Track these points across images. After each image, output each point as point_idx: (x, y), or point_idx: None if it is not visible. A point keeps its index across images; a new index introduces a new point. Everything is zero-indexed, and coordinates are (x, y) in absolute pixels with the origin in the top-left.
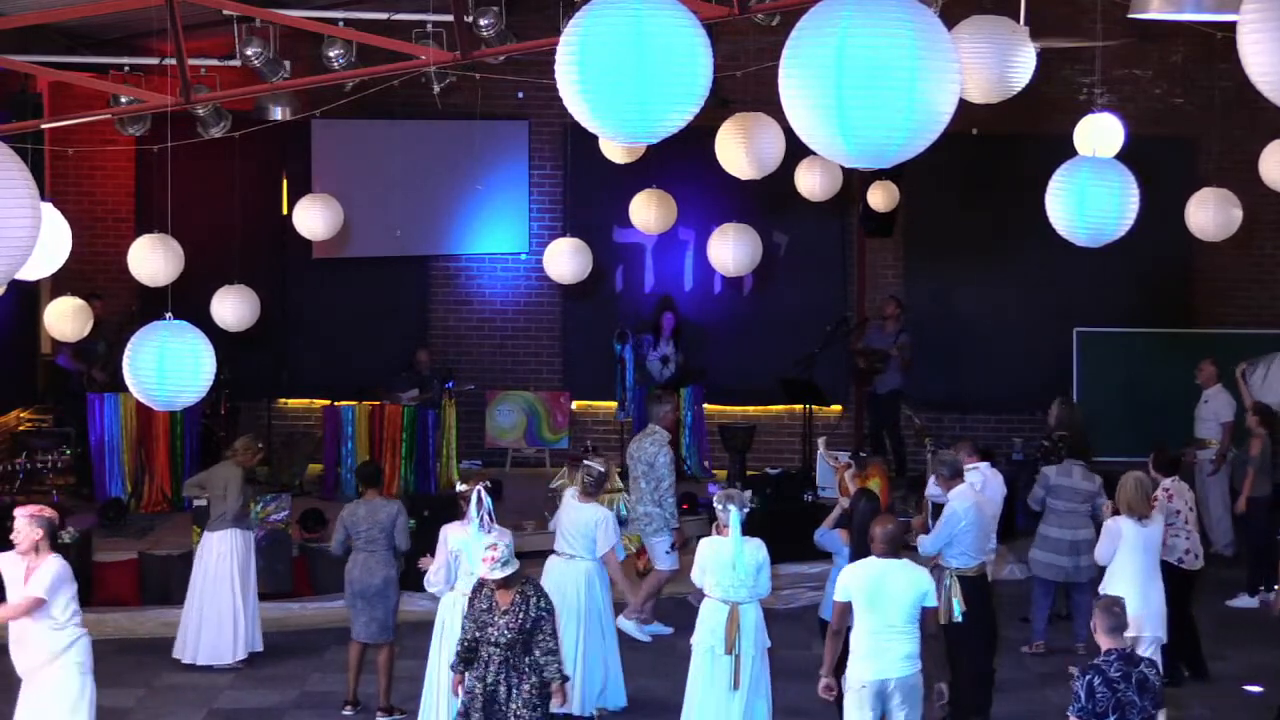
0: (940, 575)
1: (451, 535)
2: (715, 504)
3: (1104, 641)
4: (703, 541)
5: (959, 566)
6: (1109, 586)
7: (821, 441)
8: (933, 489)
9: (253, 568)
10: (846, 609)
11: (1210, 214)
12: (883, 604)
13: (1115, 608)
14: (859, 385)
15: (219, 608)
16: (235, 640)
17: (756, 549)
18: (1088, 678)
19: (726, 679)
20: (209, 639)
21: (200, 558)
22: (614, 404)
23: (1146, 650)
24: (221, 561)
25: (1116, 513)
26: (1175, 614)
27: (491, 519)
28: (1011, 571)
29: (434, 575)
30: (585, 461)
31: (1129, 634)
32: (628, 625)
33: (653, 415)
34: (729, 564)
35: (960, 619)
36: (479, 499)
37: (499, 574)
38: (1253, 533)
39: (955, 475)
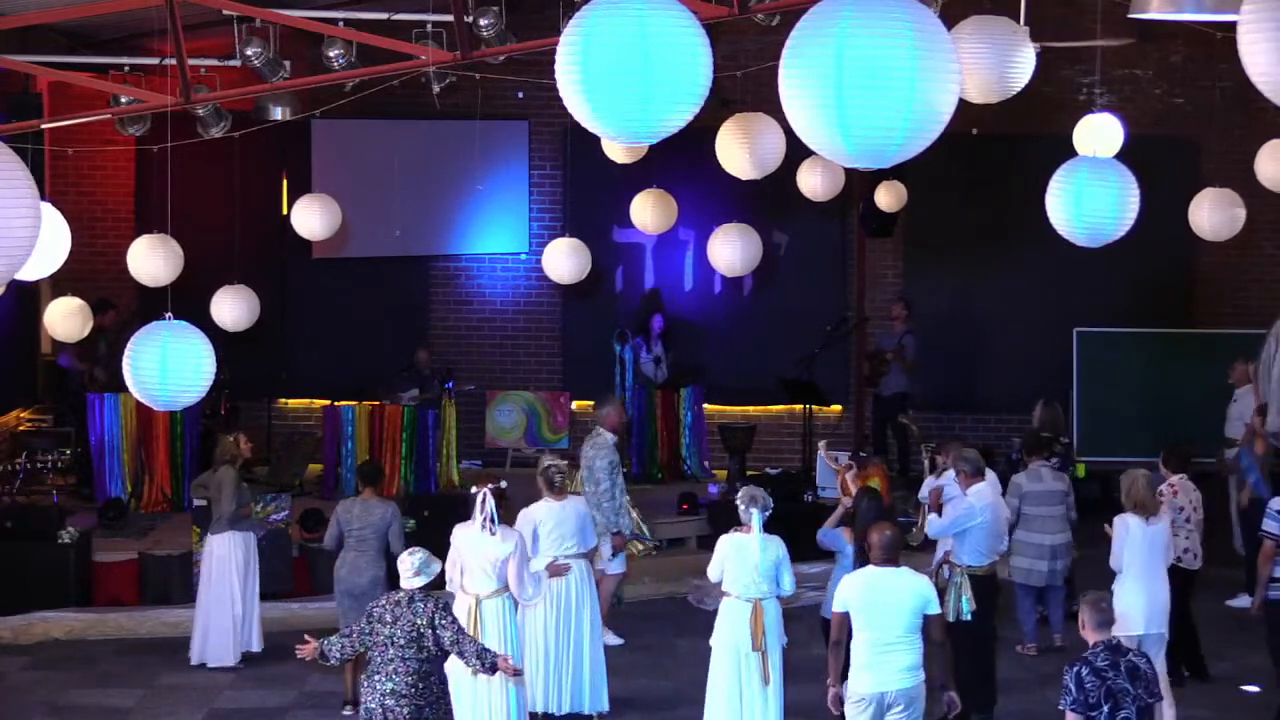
0: (950, 573)
1: (458, 536)
2: (738, 503)
3: (1091, 636)
4: (722, 539)
5: (970, 564)
6: (1116, 582)
7: (822, 444)
8: (926, 493)
9: (254, 569)
10: (845, 620)
11: (1212, 213)
12: (882, 614)
13: (1102, 603)
14: (864, 387)
15: (221, 610)
16: (235, 642)
17: (777, 546)
18: (1075, 669)
19: (757, 675)
20: (214, 641)
21: (203, 560)
22: None
23: (1152, 648)
24: (221, 564)
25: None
26: (1175, 613)
27: (494, 522)
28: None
29: (450, 575)
30: (546, 462)
31: (1134, 632)
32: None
33: (597, 418)
34: (753, 563)
35: (969, 618)
36: (483, 501)
37: (416, 583)
38: (1253, 533)
39: (977, 473)
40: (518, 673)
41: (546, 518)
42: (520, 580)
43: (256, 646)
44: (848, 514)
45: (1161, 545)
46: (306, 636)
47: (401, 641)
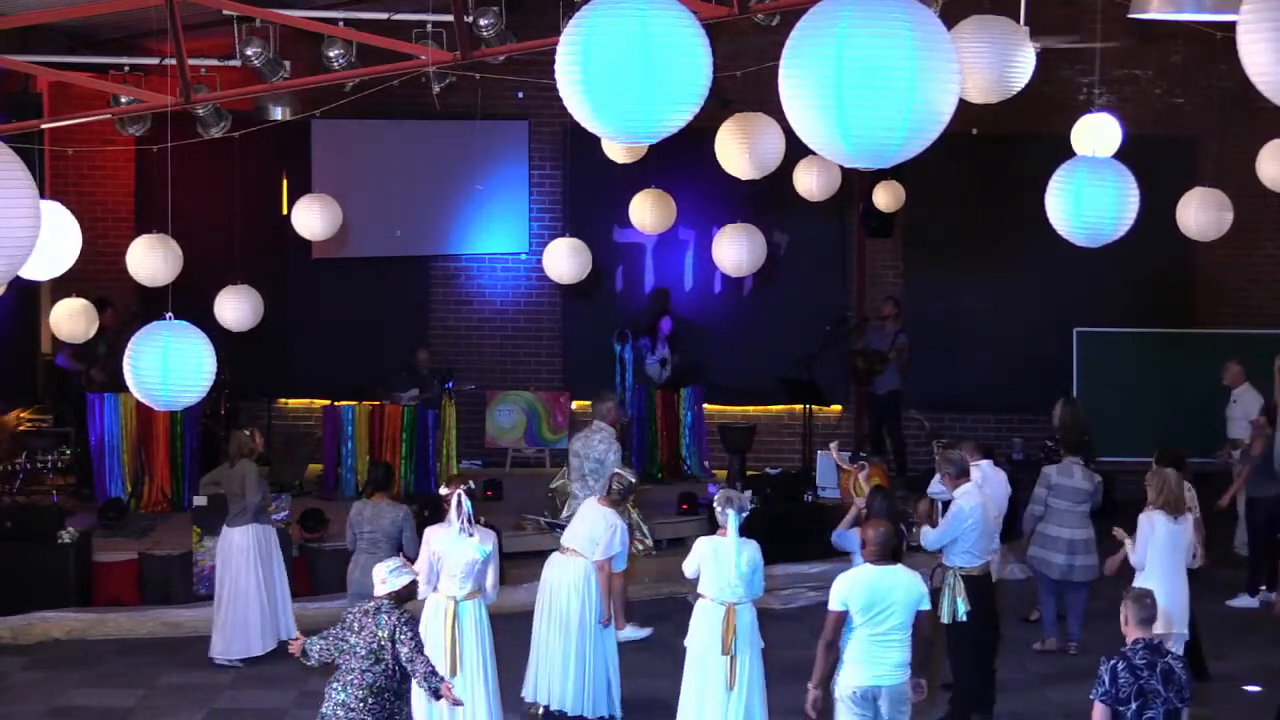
0: (944, 575)
1: (435, 538)
2: (715, 505)
3: (1132, 632)
4: (700, 541)
5: (963, 566)
6: (1137, 580)
7: (834, 445)
8: (935, 487)
9: (277, 558)
10: (842, 618)
11: (1199, 214)
12: (877, 611)
13: (1146, 599)
14: (858, 386)
15: (246, 603)
16: (263, 632)
17: (753, 550)
18: (1112, 663)
19: (723, 679)
20: (237, 634)
21: (222, 555)
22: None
23: (1173, 648)
24: (242, 557)
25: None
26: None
27: (471, 522)
28: (1012, 571)
29: (422, 578)
30: (618, 470)
31: (1157, 630)
32: (623, 634)
33: (597, 413)
34: (728, 566)
35: (964, 618)
36: (459, 503)
37: (382, 590)
38: (1255, 533)
39: (962, 474)
40: (458, 703)
41: (580, 511)
42: (497, 581)
43: (293, 633)
44: (861, 515)
45: (1184, 544)
46: (297, 633)
47: (362, 652)
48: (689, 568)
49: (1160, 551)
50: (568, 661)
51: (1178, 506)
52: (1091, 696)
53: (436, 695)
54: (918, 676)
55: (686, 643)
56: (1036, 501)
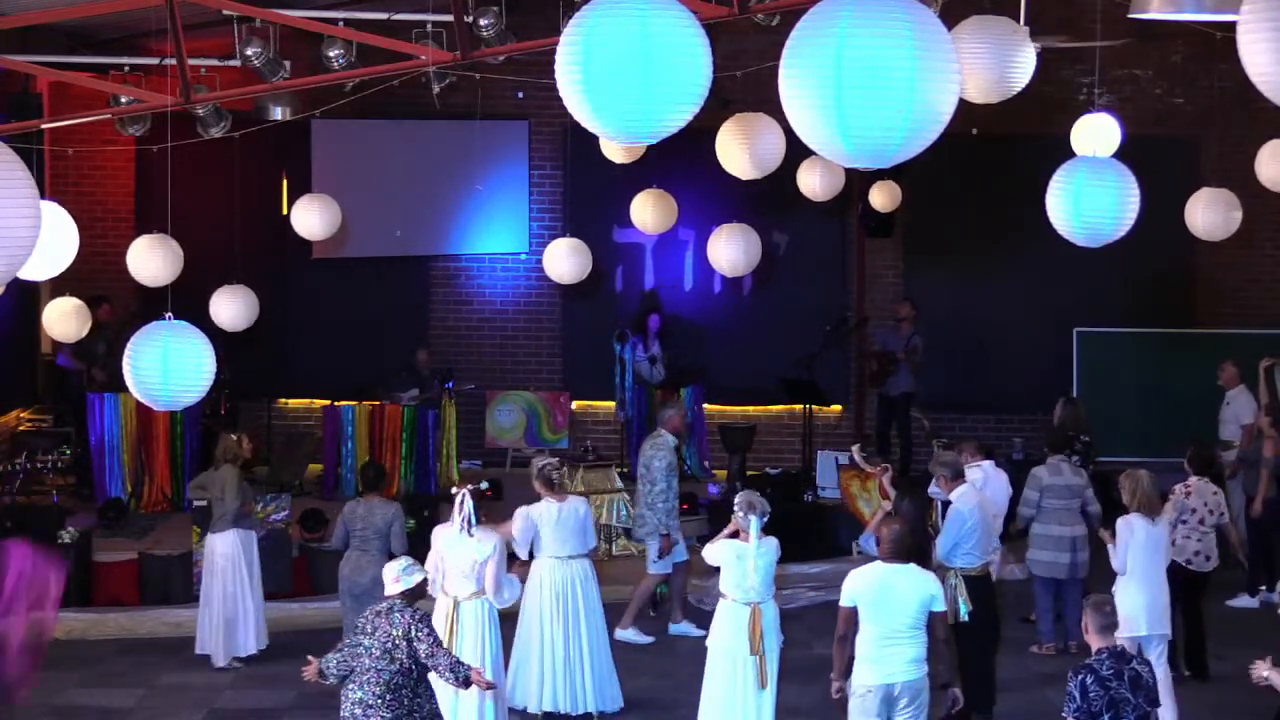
0: (945, 575)
1: (439, 538)
2: (736, 509)
3: (1095, 640)
4: (722, 543)
5: (964, 566)
6: (1118, 584)
7: (855, 447)
8: (934, 488)
9: (255, 566)
10: (852, 614)
11: (1207, 213)
12: (888, 609)
13: (1106, 606)
14: (869, 387)
15: (226, 608)
16: (245, 638)
17: (773, 551)
18: (1080, 677)
19: (753, 679)
20: (231, 636)
21: (206, 559)
22: (614, 404)
23: (1154, 649)
24: (225, 562)
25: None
26: (1182, 613)
27: (471, 524)
28: (1012, 571)
29: (431, 577)
30: (541, 461)
31: (1138, 633)
32: (626, 635)
33: (659, 420)
34: (750, 570)
35: (966, 619)
36: (461, 502)
37: (395, 589)
38: (1260, 534)
39: (957, 476)
40: (490, 686)
41: (547, 519)
42: (498, 583)
43: (258, 646)
44: (888, 517)
45: (1163, 546)
46: (310, 658)
47: (377, 652)
48: (710, 554)
49: (1141, 554)
50: (583, 662)
51: (1153, 508)
52: (1064, 714)
53: (467, 683)
54: (952, 686)
55: (709, 642)
56: (1028, 504)
